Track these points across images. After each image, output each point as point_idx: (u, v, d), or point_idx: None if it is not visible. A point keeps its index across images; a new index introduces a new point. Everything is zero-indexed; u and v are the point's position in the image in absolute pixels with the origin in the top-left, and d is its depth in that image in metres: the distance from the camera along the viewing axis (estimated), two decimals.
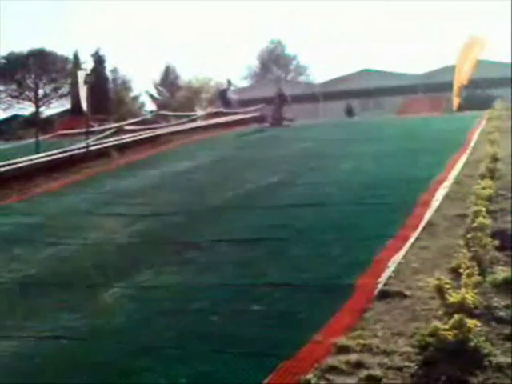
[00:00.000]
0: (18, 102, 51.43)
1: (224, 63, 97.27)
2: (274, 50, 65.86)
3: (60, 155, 19.01)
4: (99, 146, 20.71)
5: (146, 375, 5.12)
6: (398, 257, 7.33)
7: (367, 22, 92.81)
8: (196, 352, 5.52)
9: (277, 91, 26.12)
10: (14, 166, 17.35)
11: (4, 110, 51.56)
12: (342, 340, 5.33)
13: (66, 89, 49.95)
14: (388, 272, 6.88)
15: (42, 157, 18.67)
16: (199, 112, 33.91)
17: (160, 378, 5.03)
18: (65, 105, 51.20)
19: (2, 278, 8.56)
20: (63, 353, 5.83)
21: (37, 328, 6.45)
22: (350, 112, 36.68)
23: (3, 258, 9.51)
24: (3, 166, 17.27)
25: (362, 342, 5.29)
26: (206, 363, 5.25)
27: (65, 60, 51.63)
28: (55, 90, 51.37)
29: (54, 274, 8.50)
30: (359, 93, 48.94)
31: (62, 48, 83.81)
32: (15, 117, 50.60)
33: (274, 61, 65.18)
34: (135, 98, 61.79)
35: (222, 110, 31.13)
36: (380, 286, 6.51)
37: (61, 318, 6.69)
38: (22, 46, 61.47)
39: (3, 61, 50.26)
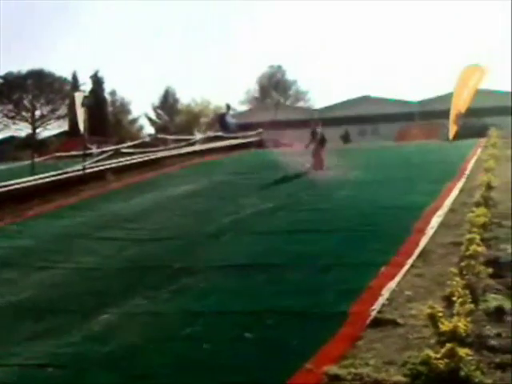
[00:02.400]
0: (15, 123, 51.27)
1: (223, 87, 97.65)
2: (274, 75, 66.24)
3: (56, 177, 18.96)
4: (96, 169, 20.71)
5: None
6: (391, 284, 7.32)
7: (367, 49, 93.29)
8: (188, 381, 5.47)
9: (312, 128, 20.34)
10: (9, 188, 17.29)
11: (0, 130, 51.47)
12: (334, 368, 5.30)
13: (63, 110, 49.97)
14: (382, 300, 6.87)
15: (38, 179, 18.61)
16: (198, 136, 34.01)
17: None
18: (62, 126, 51.18)
19: None
20: (48, 381, 5.76)
21: (23, 355, 6.37)
22: (345, 138, 36.80)
23: None
24: None
25: (353, 370, 5.26)
26: None
27: (63, 81, 51.71)
28: (53, 111, 51.35)
29: (44, 299, 8.43)
30: (357, 119, 49.25)
31: (61, 69, 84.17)
32: (11, 138, 50.51)
33: (273, 86, 65.51)
34: (134, 121, 61.96)
35: (220, 134, 31.24)
36: (373, 314, 6.49)
37: (47, 344, 6.62)
38: (21, 67, 61.93)
39: (1, 81, 50.23)
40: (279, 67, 66.30)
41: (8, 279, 9.55)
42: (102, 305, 7.77)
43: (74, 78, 54.06)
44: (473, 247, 7.60)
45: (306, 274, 8.23)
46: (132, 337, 6.66)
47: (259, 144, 29.28)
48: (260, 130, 32.40)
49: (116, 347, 6.39)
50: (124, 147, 26.11)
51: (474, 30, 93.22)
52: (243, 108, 62.86)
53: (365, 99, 53.51)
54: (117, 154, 24.23)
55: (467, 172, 14.78)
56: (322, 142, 19.12)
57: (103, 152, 24.41)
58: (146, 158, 23.49)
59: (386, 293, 7.07)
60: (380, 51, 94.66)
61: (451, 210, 10.87)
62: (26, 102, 50.49)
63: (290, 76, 66.51)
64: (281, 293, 7.56)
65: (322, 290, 7.48)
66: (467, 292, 6.25)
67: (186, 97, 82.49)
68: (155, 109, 62.88)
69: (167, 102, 62.38)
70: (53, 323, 7.39)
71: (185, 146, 27.37)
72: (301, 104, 64.91)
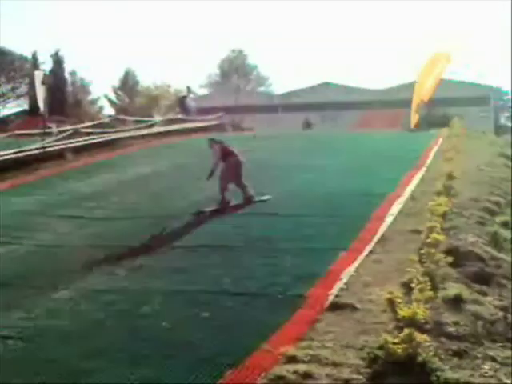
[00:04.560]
0: None
1: (184, 71, 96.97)
2: (235, 60, 65.90)
3: (15, 155, 18.66)
4: (55, 148, 20.39)
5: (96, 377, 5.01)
6: (350, 269, 7.36)
7: (329, 35, 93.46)
8: (145, 356, 5.43)
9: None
10: None
11: None
12: (291, 350, 5.31)
13: (23, 89, 49.02)
14: (340, 284, 6.90)
15: None
16: (158, 118, 33.63)
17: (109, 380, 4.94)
18: (22, 105, 50.30)
19: None
20: (8, 353, 5.69)
21: None
22: (307, 125, 36.91)
23: None
24: None
25: (311, 352, 5.28)
26: (154, 368, 5.17)
27: (23, 59, 50.68)
28: (12, 89, 50.34)
29: (3, 274, 8.29)
30: (318, 105, 49.35)
31: (21, 48, 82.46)
32: None
33: (234, 70, 65.19)
34: (93, 102, 61.06)
35: (180, 116, 31.00)
36: (331, 298, 6.51)
37: (7, 317, 6.55)
38: None
39: None
40: (240, 52, 65.90)
41: None
42: (60, 281, 7.71)
43: (34, 57, 52.90)
44: (433, 235, 7.67)
45: (264, 256, 8.23)
46: (90, 313, 6.60)
47: (219, 128, 29.13)
48: (220, 113, 32.27)
49: (74, 322, 6.34)
50: (83, 127, 25.73)
51: (441, 15, 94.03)
52: (204, 92, 62.50)
53: (326, 86, 53.66)
54: (76, 133, 23.88)
55: (428, 161, 14.90)
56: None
57: (63, 131, 24.04)
58: (105, 138, 23.19)
59: (344, 277, 7.11)
60: (343, 37, 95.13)
61: (411, 198, 10.96)
62: None
63: (251, 61, 66.22)
64: (237, 274, 7.54)
65: (279, 273, 7.49)
66: (427, 279, 6.31)
67: (147, 79, 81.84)
68: (115, 90, 62.15)
69: (127, 84, 61.64)
70: (12, 297, 7.30)
71: (144, 127, 27.10)
72: (262, 89, 64.78)
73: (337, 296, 6.58)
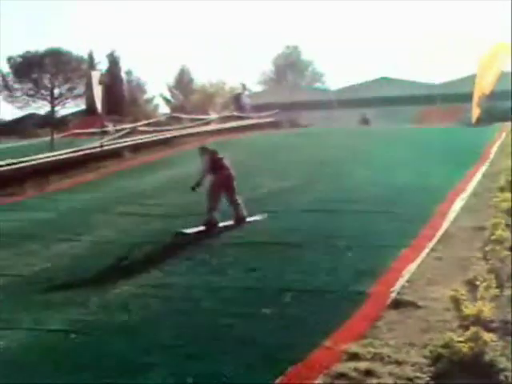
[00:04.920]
0: (34, 101, 51.46)
1: (239, 68, 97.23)
2: (290, 56, 65.64)
3: (74, 154, 19.08)
4: (113, 146, 20.76)
5: (156, 372, 5.03)
6: (412, 266, 7.22)
7: (385, 29, 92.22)
8: (204, 352, 5.42)
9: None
10: (30, 164, 17.46)
11: (20, 108, 51.61)
12: (353, 347, 5.22)
13: (81, 89, 50.00)
14: (402, 281, 6.77)
15: (57, 155, 18.75)
16: (213, 115, 33.87)
17: (169, 375, 4.95)
18: (80, 105, 51.32)
19: (17, 271, 8.54)
20: (72, 346, 5.76)
21: (47, 321, 6.40)
22: (364, 121, 36.56)
23: (18, 253, 9.50)
24: (19, 162, 17.37)
25: (373, 350, 5.18)
26: (215, 363, 5.16)
27: (80, 60, 51.72)
28: (70, 90, 51.36)
29: (64, 270, 8.44)
30: (375, 101, 48.59)
31: (77, 48, 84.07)
32: (31, 115, 50.84)
33: (289, 66, 64.93)
34: (149, 101, 61.81)
35: (236, 114, 31.14)
36: (393, 295, 6.40)
37: (70, 312, 6.64)
38: (38, 46, 62.05)
39: (20, 60, 50.41)
40: (295, 48, 65.67)
41: (30, 251, 9.58)
42: (120, 277, 7.80)
43: (91, 57, 54.04)
44: (498, 232, 7.46)
45: (325, 253, 8.15)
46: (149, 308, 6.64)
47: (275, 124, 29.12)
48: (275, 110, 32.26)
49: (134, 317, 6.37)
50: (140, 125, 26.13)
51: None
52: (259, 89, 62.51)
53: (383, 81, 52.75)
54: (133, 132, 24.28)
55: (491, 156, 14.55)
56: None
57: (120, 130, 24.47)
58: (162, 137, 23.48)
59: (406, 275, 6.98)
60: (400, 31, 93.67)
61: (474, 194, 10.72)
62: (44, 81, 50.61)
63: (306, 57, 65.85)
64: (298, 271, 7.49)
65: (341, 269, 7.40)
66: (492, 277, 6.12)
67: (202, 77, 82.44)
68: (170, 88, 62.76)
69: (182, 82, 62.16)
70: (73, 293, 7.40)
71: (200, 125, 27.32)
72: (317, 85, 64.32)
73: (399, 293, 6.45)
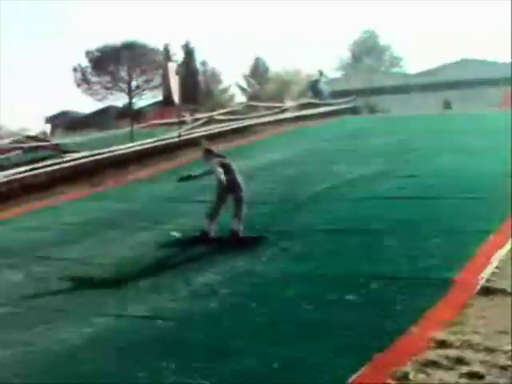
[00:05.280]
0: (112, 94, 52.73)
1: (315, 55, 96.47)
2: (367, 41, 64.63)
3: (153, 144, 19.43)
4: (191, 136, 21.00)
5: (243, 357, 5.07)
6: (501, 253, 6.99)
7: (463, 10, 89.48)
8: (289, 338, 5.42)
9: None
10: (110, 154, 17.90)
11: (99, 101, 52.97)
12: (441, 334, 5.11)
13: (157, 81, 50.82)
14: (491, 268, 6.57)
15: (137, 145, 19.14)
16: (290, 103, 33.77)
17: (255, 361, 4.97)
18: (156, 96, 52.23)
19: (99, 260, 8.76)
20: (159, 332, 5.86)
21: (134, 308, 6.55)
22: (447, 105, 35.63)
23: (101, 241, 9.75)
24: (99, 154, 17.83)
25: (462, 337, 5.06)
26: (301, 349, 5.15)
27: (155, 52, 52.58)
28: (147, 81, 52.35)
29: (148, 258, 8.61)
30: (456, 84, 47.13)
31: (152, 41, 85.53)
32: (109, 108, 52.14)
33: (366, 51, 63.99)
34: (224, 90, 62.29)
35: (313, 101, 30.93)
36: (482, 282, 6.22)
37: (156, 299, 6.76)
38: (115, 39, 63.36)
39: (97, 53, 51.71)
40: (372, 33, 64.64)
41: (112, 239, 9.85)
42: (203, 264, 7.89)
43: (166, 48, 54.91)
44: None
45: (408, 239, 8.02)
46: (232, 296, 6.69)
47: (353, 110, 28.79)
48: (353, 96, 31.86)
49: (219, 304, 6.44)
50: (217, 114, 26.32)
51: None
52: (336, 75, 61.86)
53: (464, 62, 51.03)
54: (210, 121, 24.48)
55: None
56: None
57: (197, 119, 24.74)
58: (238, 125, 23.58)
59: (494, 261, 6.77)
60: (478, 11, 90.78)
61: None
62: (122, 73, 51.74)
63: (383, 41, 64.68)
64: (382, 258, 7.40)
65: (427, 255, 7.24)
66: None
67: (277, 65, 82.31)
68: (246, 77, 63.04)
69: (258, 71, 62.33)
70: (158, 280, 7.54)
71: (276, 113, 27.28)
72: (396, 70, 63.07)
73: (488, 280, 6.28)
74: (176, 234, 9.54)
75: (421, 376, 4.54)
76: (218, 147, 11.65)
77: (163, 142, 19.81)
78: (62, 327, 6.18)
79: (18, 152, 19.31)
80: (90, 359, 5.31)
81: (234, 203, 9.07)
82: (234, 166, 9.38)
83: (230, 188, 9.07)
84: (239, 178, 9.21)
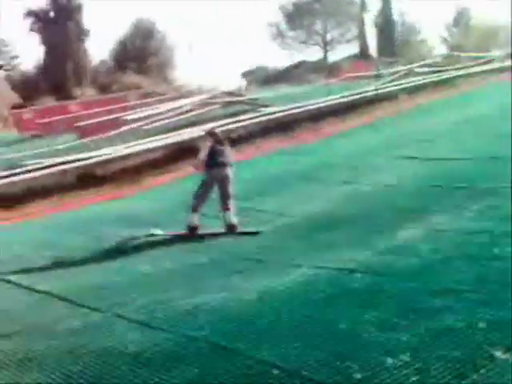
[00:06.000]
0: (308, 47, 52.86)
1: None
2: None
3: (349, 98, 19.22)
4: (388, 89, 20.48)
5: (445, 316, 4.81)
6: None
7: None
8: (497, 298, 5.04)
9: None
10: (305, 109, 18.01)
11: (292, 55, 53.41)
12: None
13: (352, 33, 50.15)
14: None
15: (332, 99, 19.05)
16: (497, 52, 31.40)
17: (459, 320, 4.70)
18: (351, 49, 51.66)
19: (299, 212, 8.85)
20: (358, 285, 5.74)
21: (332, 260, 6.51)
22: None
23: (298, 195, 9.86)
24: (296, 107, 18.01)
25: None
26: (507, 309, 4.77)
27: (351, 3, 51.69)
28: (342, 34, 51.84)
29: (345, 213, 8.56)
30: None
31: None
32: (303, 62, 52.46)
33: None
34: (423, 42, 59.95)
35: None
36: None
37: (354, 253, 6.67)
38: None
39: (291, 7, 51.97)
40: None
41: (310, 193, 9.95)
42: (400, 220, 7.65)
43: None
44: None
45: None
46: (432, 252, 6.37)
47: None
48: None
49: (420, 260, 6.17)
50: (416, 67, 25.37)
51: None
52: None
53: None
54: (408, 74, 23.67)
55: None
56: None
57: (394, 72, 24.03)
58: (440, 78, 22.52)
59: None
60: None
61: None
62: (316, 27, 51.64)
63: None
64: None
65: None
66: None
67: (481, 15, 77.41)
68: (448, 27, 60.13)
69: (462, 21, 59.17)
70: (357, 234, 7.47)
71: (480, 64, 25.65)
72: None
73: None
74: (156, 232, 8.75)
75: None
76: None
77: (359, 96, 19.52)
78: (261, 277, 6.28)
79: (215, 107, 20.14)
80: (289, 309, 5.30)
81: (220, 194, 8.54)
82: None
83: (217, 178, 8.52)
84: (230, 171, 8.59)
